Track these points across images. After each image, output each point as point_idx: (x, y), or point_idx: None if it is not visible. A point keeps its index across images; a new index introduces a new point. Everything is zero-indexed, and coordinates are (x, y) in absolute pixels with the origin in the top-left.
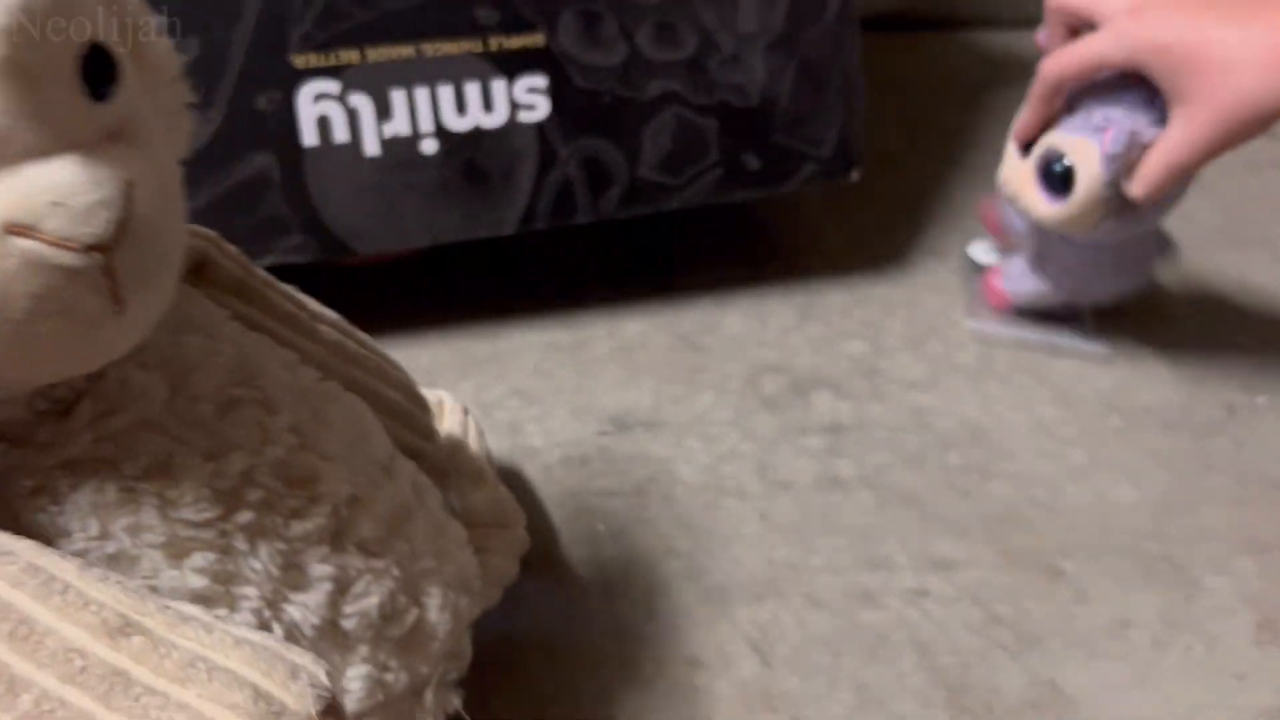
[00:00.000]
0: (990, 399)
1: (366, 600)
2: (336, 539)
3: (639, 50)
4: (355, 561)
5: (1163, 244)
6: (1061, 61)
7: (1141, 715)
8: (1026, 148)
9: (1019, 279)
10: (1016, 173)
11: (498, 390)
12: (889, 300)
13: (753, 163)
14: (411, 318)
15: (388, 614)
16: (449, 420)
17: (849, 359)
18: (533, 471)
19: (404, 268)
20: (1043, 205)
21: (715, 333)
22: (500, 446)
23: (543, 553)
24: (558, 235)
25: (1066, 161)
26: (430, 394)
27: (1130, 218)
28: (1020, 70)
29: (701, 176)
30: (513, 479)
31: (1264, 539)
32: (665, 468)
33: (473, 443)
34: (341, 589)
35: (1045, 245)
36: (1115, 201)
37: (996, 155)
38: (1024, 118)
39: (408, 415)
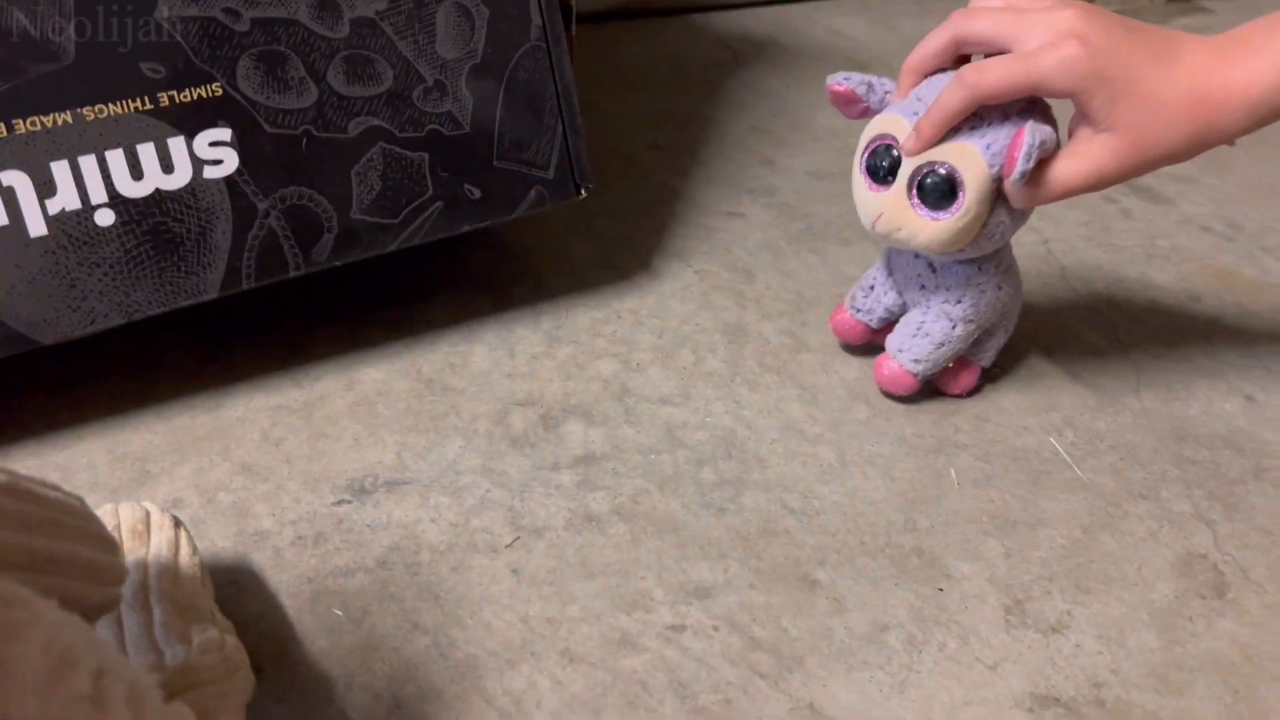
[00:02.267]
0: (741, 404)
1: None
2: None
3: (332, 88)
4: None
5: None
6: (989, 80)
7: None
8: (880, 174)
9: (912, 341)
10: (887, 203)
11: (221, 470)
12: (638, 312)
13: (474, 193)
14: (117, 397)
15: None
16: (156, 541)
17: (600, 381)
18: (262, 559)
19: (103, 339)
20: (929, 225)
21: (461, 370)
22: (224, 535)
23: (277, 652)
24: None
25: (943, 170)
26: (132, 511)
27: (1018, 216)
28: (755, 50)
29: (421, 213)
30: (240, 574)
31: (1008, 515)
32: (410, 532)
33: (184, 563)
34: None
35: (938, 279)
36: (1003, 202)
37: (734, 142)
38: (920, 135)
39: (97, 570)
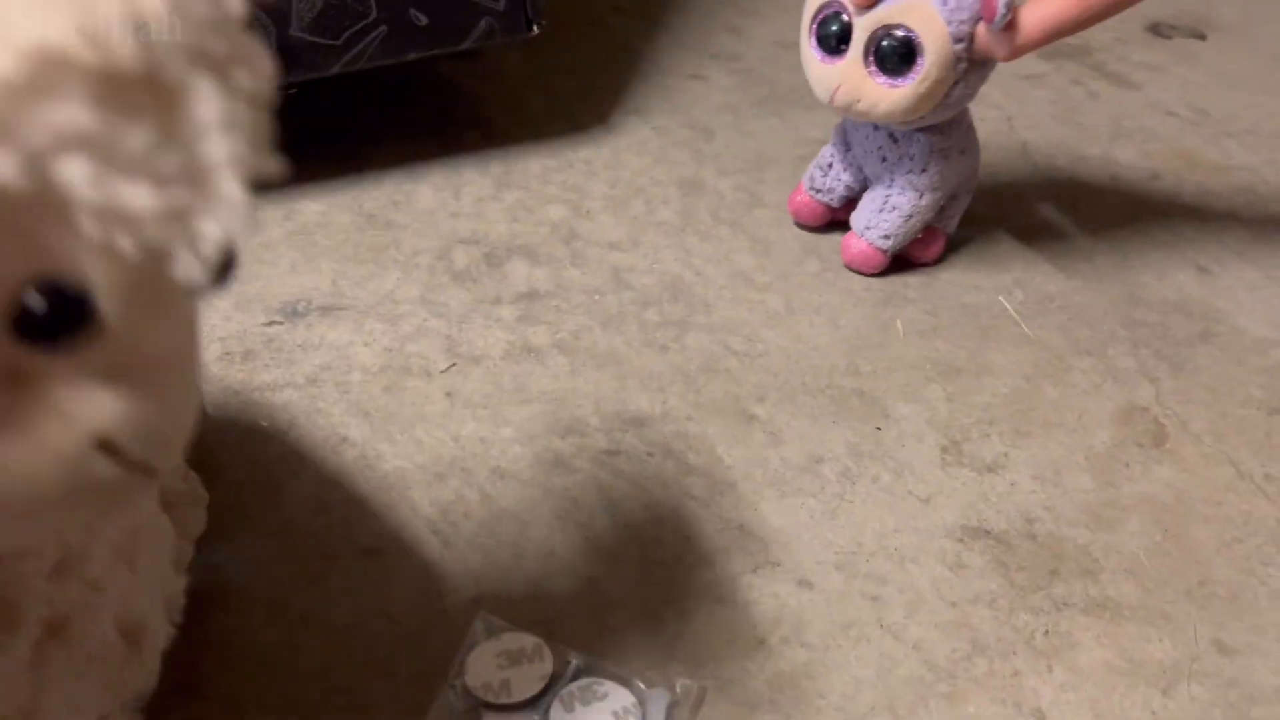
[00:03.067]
0: (691, 253)
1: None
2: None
3: None
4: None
5: None
6: None
7: (831, 546)
8: (832, 43)
9: (879, 217)
10: (843, 74)
11: None
12: (592, 163)
13: (421, 19)
14: None
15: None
16: None
17: (548, 225)
18: None
19: None
20: (889, 94)
21: (405, 208)
22: None
23: (199, 458)
24: None
25: (900, 33)
26: None
27: (977, 76)
28: None
29: (364, 36)
30: None
31: (952, 364)
32: (342, 354)
33: None
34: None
35: (900, 150)
36: (964, 62)
37: (702, 10)
38: None
39: None
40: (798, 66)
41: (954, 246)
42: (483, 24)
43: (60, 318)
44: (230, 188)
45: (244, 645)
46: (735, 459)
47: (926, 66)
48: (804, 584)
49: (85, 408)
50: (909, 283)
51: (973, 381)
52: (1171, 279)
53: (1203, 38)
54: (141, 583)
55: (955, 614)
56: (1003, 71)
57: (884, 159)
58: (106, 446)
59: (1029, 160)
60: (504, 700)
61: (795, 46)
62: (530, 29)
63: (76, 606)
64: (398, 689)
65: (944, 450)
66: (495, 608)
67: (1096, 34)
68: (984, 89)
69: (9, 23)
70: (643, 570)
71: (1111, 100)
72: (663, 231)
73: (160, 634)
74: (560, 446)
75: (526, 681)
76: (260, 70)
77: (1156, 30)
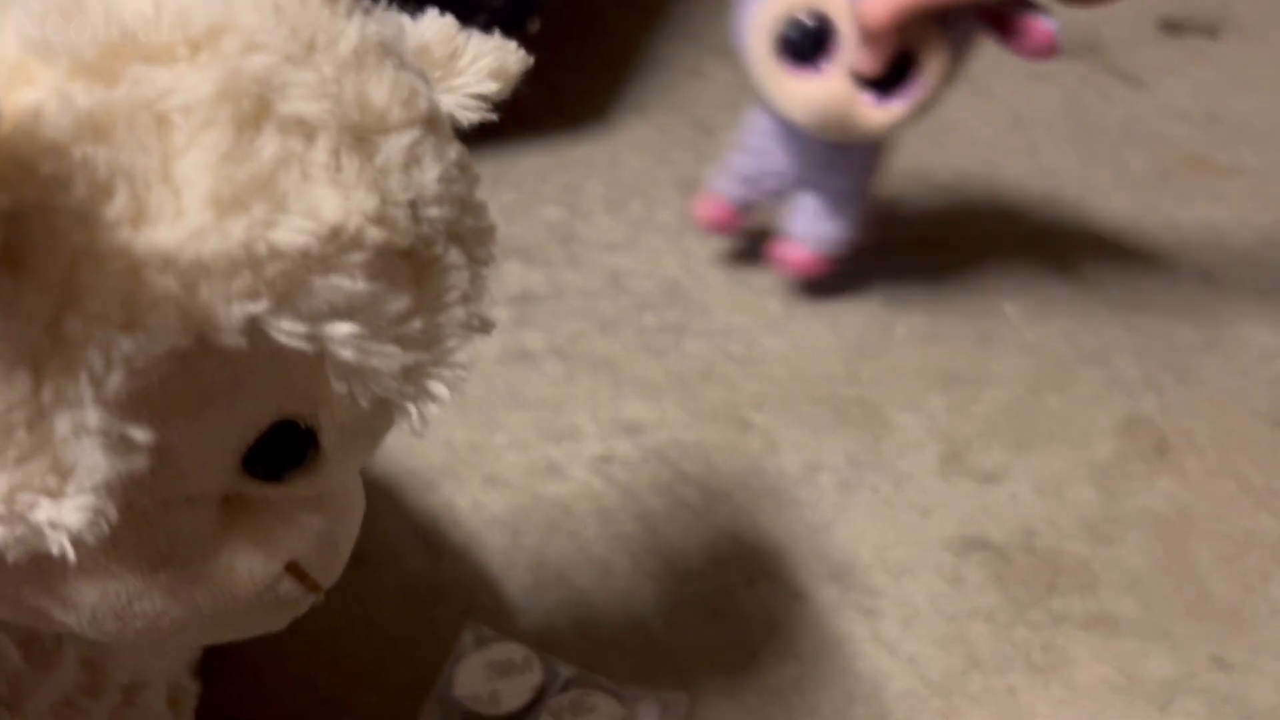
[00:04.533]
0: (690, 256)
1: None
2: None
3: None
4: None
5: None
6: None
7: (826, 558)
8: (806, 53)
9: (829, 225)
10: (829, 96)
11: None
12: (590, 161)
13: (415, 15)
14: None
15: None
16: None
17: (544, 225)
18: None
19: None
20: (881, 114)
21: None
22: None
23: None
24: None
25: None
26: None
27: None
28: None
29: None
30: None
31: (953, 372)
32: None
33: None
34: None
35: (824, 156)
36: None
37: (706, 6)
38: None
39: None
40: None
41: (955, 249)
42: (478, 19)
43: (290, 454)
44: (462, 353)
45: (228, 655)
46: (731, 468)
47: (929, 79)
48: (797, 596)
49: (289, 534)
50: (910, 286)
51: (974, 390)
52: (1177, 284)
53: (1215, 37)
54: (182, 649)
55: (951, 628)
56: (1011, 70)
57: (830, 166)
58: (293, 568)
59: (1035, 161)
60: (492, 711)
61: None
62: (526, 24)
63: (148, 674)
64: (385, 699)
65: (944, 460)
66: (485, 618)
67: (1108, 30)
68: (992, 86)
69: (315, 196)
70: (634, 580)
71: (1122, 101)
72: (662, 233)
73: (192, 694)
74: (553, 453)
75: (516, 692)
76: (493, 240)
77: (1169, 28)
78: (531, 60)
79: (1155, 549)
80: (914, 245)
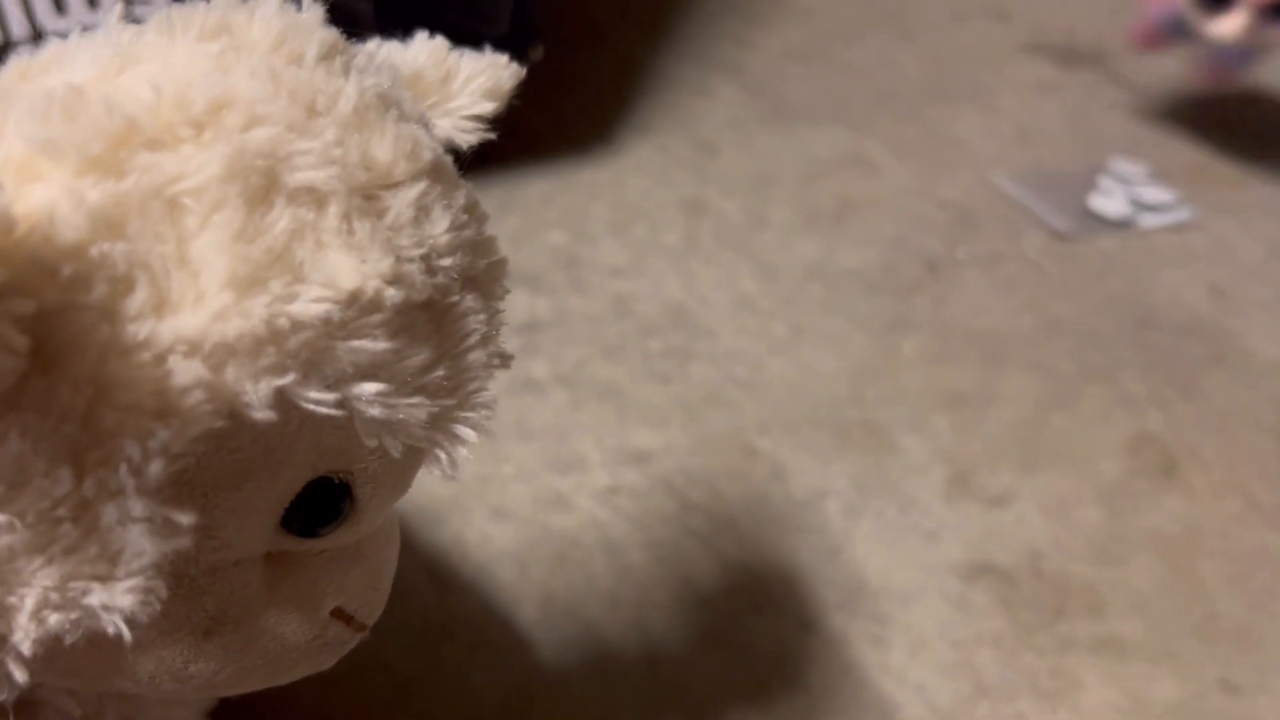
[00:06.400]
0: (694, 279)
1: None
2: None
3: None
4: None
5: None
6: None
7: (832, 586)
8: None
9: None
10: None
11: None
12: (594, 184)
13: None
14: None
15: None
16: None
17: (549, 251)
18: None
19: None
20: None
21: None
22: None
23: None
24: None
25: None
26: None
27: None
28: None
29: None
30: None
31: (959, 392)
32: None
33: None
34: None
35: None
36: None
37: (707, 19)
38: None
39: None
40: (804, 79)
41: (959, 268)
42: (482, 49)
43: (327, 510)
44: (486, 393)
45: (240, 695)
46: (736, 495)
47: None
48: (805, 625)
49: (331, 584)
50: (916, 306)
51: (980, 411)
52: (1184, 299)
53: None
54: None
55: (959, 655)
56: (1015, 81)
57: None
58: (338, 612)
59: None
60: None
61: (802, 58)
62: (529, 52)
63: (141, 709)
64: None
65: (950, 483)
66: (493, 653)
67: (1112, 41)
68: (995, 97)
69: (331, 264)
70: (642, 612)
71: (1127, 111)
72: (666, 256)
73: None
74: (560, 484)
75: None
76: (506, 274)
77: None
78: (524, 73)
79: (1162, 569)
80: (922, 264)
